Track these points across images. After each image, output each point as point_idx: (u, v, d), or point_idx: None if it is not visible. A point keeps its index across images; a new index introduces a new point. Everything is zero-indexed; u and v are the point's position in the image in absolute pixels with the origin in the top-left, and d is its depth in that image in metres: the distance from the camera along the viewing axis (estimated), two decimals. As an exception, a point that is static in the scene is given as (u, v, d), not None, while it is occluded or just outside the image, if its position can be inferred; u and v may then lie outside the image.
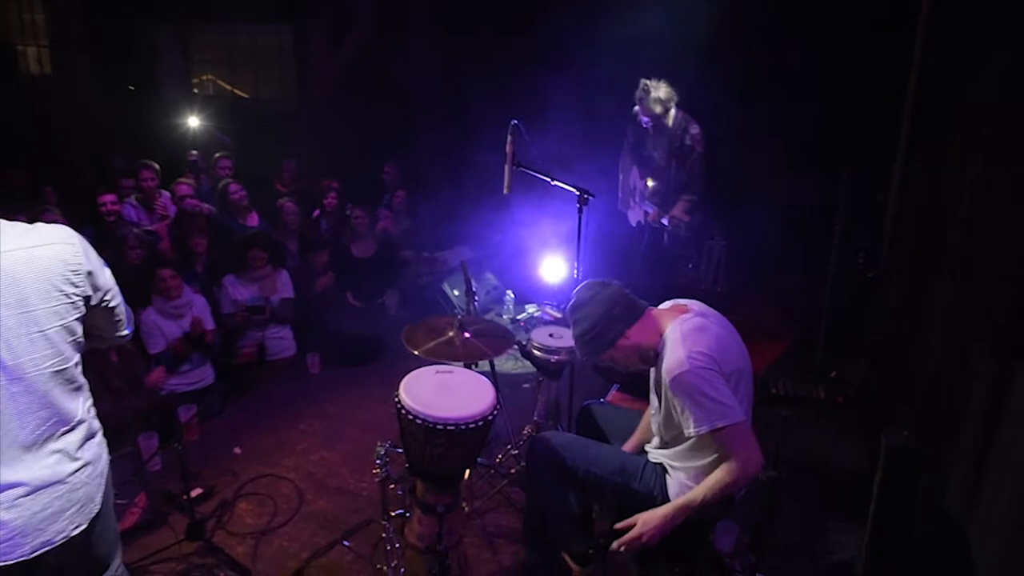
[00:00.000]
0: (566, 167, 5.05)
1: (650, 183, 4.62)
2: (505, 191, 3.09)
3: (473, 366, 3.07)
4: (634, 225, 4.76)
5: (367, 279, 5.45)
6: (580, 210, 3.22)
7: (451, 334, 2.94)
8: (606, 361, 2.37)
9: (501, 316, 5.56)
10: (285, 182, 6.17)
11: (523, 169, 3.08)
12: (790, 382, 4.04)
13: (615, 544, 2.23)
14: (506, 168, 3.05)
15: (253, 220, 5.27)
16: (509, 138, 3.03)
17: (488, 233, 5.79)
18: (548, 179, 3.14)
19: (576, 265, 3.45)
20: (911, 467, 1.71)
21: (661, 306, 2.40)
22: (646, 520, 2.21)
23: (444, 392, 2.53)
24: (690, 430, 2.11)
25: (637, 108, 4.43)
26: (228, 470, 3.52)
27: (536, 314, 5.47)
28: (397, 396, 2.47)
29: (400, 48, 6.65)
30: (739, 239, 5.22)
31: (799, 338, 4.65)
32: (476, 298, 3.45)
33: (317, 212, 5.79)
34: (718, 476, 2.13)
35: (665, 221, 4.50)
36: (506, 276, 5.85)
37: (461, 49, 6.44)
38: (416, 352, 2.83)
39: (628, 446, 2.61)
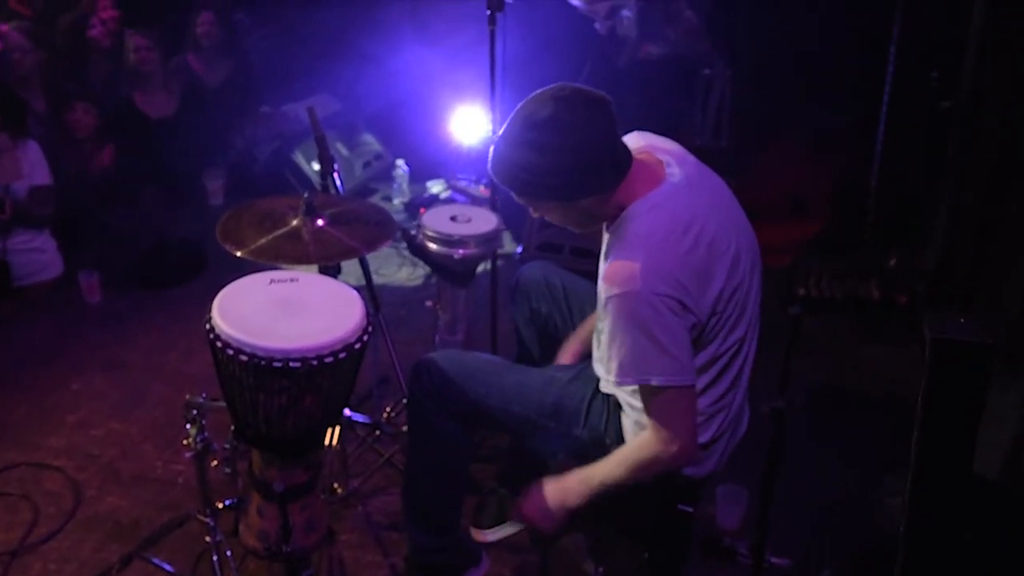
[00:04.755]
0: None
1: None
2: None
3: (335, 274, 3.03)
4: None
5: (169, 152, 5.31)
6: (492, 19, 3.22)
7: (295, 223, 2.88)
8: (525, 204, 2.29)
9: (391, 200, 5.55)
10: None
11: None
12: (827, 277, 4.16)
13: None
14: None
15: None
16: None
17: (365, 73, 5.65)
18: None
19: (493, 112, 3.44)
20: (973, 370, 1.71)
21: (630, 143, 2.26)
22: (533, 496, 2.30)
23: (283, 310, 2.47)
24: (611, 375, 2.14)
25: None
26: (-46, 459, 3.47)
27: (444, 195, 5.46)
28: (208, 320, 2.41)
29: None
30: (752, 64, 5.18)
31: (840, 211, 4.73)
32: (337, 170, 3.37)
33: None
34: (627, 451, 2.21)
35: None
36: (396, 139, 5.79)
37: None
38: (239, 254, 2.76)
39: (569, 352, 2.64)
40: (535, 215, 2.34)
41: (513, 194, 2.23)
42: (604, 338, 2.17)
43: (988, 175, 3.51)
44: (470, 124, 5.39)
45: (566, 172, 2.10)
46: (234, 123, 5.66)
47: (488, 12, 3.23)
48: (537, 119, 2.09)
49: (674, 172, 2.20)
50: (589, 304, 2.59)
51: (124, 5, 5.70)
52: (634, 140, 2.30)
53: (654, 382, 2.09)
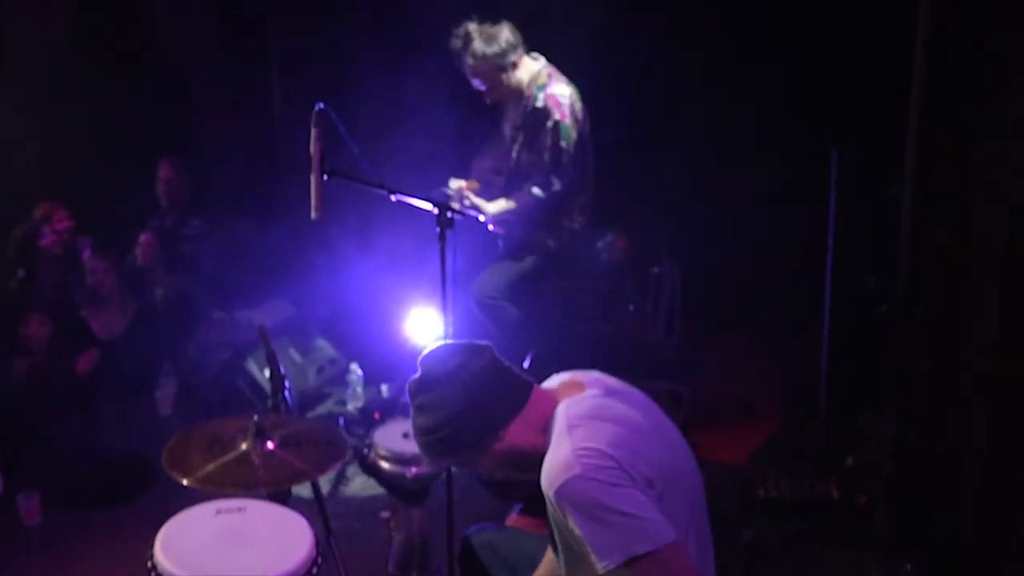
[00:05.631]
0: (442, 166, 5.17)
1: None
2: (313, 215, 3.16)
3: (287, 495, 3.07)
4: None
5: (117, 370, 5.37)
6: (442, 236, 3.35)
7: (244, 447, 2.92)
8: (459, 466, 2.40)
9: (345, 405, 5.56)
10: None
11: (342, 179, 3.18)
12: (785, 478, 4.23)
13: None
14: (312, 180, 3.13)
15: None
16: (313, 132, 3.10)
17: (317, 280, 5.80)
18: (384, 191, 3.25)
19: (447, 319, 3.56)
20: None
21: (547, 383, 2.43)
22: None
23: (229, 544, 2.53)
24: (598, 564, 2.08)
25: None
26: None
27: (401, 398, 5.43)
28: (150, 556, 2.45)
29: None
30: (699, 262, 5.42)
31: (794, 410, 4.86)
32: (288, 388, 3.44)
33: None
34: None
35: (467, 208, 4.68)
36: (350, 342, 5.86)
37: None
38: (186, 483, 2.79)
39: None
40: (461, 468, 2.42)
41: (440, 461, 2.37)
42: (575, 545, 2.16)
43: (930, 376, 3.64)
44: (424, 326, 5.45)
45: (449, 422, 2.23)
46: (185, 331, 5.71)
47: (438, 229, 3.35)
48: (415, 387, 2.28)
49: (593, 387, 2.34)
50: (538, 556, 2.63)
51: (77, 214, 5.86)
52: (559, 378, 2.46)
53: (640, 550, 2.03)
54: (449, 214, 3.35)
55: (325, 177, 3.15)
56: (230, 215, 6.27)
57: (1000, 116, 3.21)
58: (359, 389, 5.55)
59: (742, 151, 5.25)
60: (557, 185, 4.62)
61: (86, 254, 5.66)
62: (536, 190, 4.63)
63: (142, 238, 5.83)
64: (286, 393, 3.43)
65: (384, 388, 5.60)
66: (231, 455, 2.91)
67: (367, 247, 5.62)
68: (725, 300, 5.42)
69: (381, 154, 3.65)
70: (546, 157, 4.61)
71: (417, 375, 2.30)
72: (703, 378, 4.82)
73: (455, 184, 4.73)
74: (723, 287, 5.39)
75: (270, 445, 2.95)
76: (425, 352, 2.33)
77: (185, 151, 6.53)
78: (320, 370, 5.70)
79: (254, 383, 5.39)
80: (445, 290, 3.50)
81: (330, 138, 3.19)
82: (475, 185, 4.77)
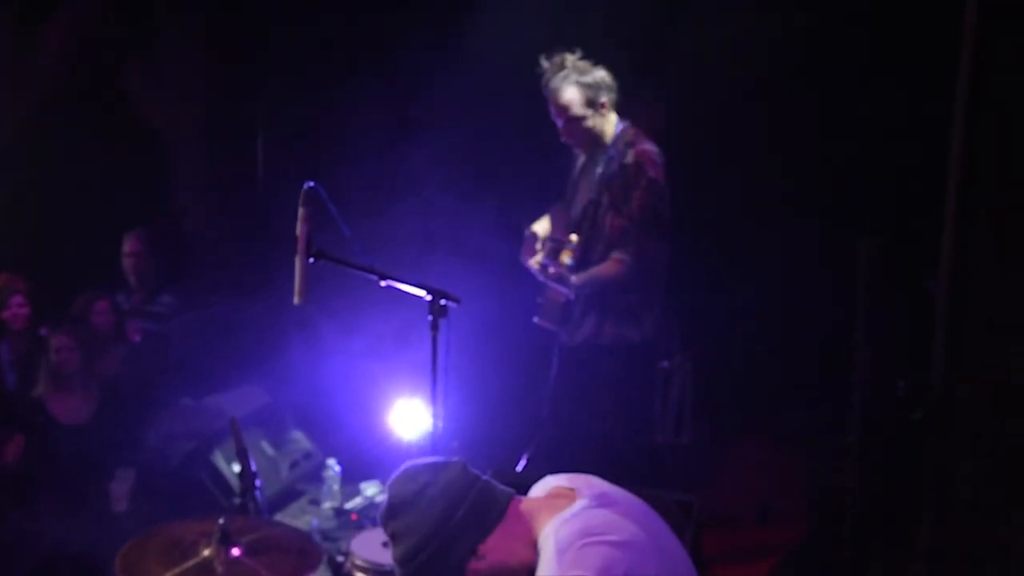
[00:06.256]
0: (435, 250, 5.16)
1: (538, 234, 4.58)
2: (296, 300, 3.18)
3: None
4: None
5: (78, 460, 5.24)
6: (435, 325, 3.34)
7: (207, 552, 2.86)
8: None
9: (319, 504, 5.43)
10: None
11: (328, 262, 3.20)
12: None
13: None
14: (296, 263, 3.17)
15: None
16: (301, 212, 3.13)
17: (295, 366, 5.75)
18: (374, 276, 3.26)
19: (437, 411, 3.57)
20: None
21: (532, 492, 2.40)
22: None
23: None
24: None
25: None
26: None
27: (379, 498, 5.33)
28: None
29: (142, 49, 6.67)
30: (713, 358, 5.33)
31: (817, 522, 4.72)
32: (259, 487, 3.37)
33: None
34: None
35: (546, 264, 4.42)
36: (327, 435, 5.79)
37: (242, 51, 6.60)
38: None
39: None
40: None
41: None
42: None
43: (969, 490, 3.55)
44: (410, 419, 5.33)
45: (423, 544, 2.21)
46: (146, 418, 5.60)
47: (430, 318, 3.35)
48: (384, 516, 2.28)
49: (584, 495, 2.31)
50: None
51: (38, 287, 5.78)
52: (545, 486, 2.43)
53: None
54: (441, 301, 3.34)
55: (311, 260, 3.18)
56: (204, 292, 6.27)
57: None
58: (336, 487, 5.43)
59: (764, 241, 5.21)
60: (648, 254, 4.36)
61: (44, 330, 5.55)
62: (628, 259, 4.32)
63: (96, 305, 5.75)
64: (256, 492, 3.36)
65: (366, 487, 5.49)
66: (191, 562, 2.86)
67: (349, 330, 5.61)
68: (742, 400, 5.35)
69: (371, 235, 3.66)
70: (638, 221, 4.31)
71: (384, 503, 2.30)
72: (717, 486, 4.70)
73: (537, 228, 4.51)
74: (740, 385, 5.32)
75: (236, 552, 2.89)
76: (392, 478, 2.32)
77: (160, 224, 6.54)
78: (294, 465, 5.61)
79: (220, 478, 5.29)
80: (436, 382, 3.48)
81: (318, 216, 3.22)
82: (564, 260, 4.36)
